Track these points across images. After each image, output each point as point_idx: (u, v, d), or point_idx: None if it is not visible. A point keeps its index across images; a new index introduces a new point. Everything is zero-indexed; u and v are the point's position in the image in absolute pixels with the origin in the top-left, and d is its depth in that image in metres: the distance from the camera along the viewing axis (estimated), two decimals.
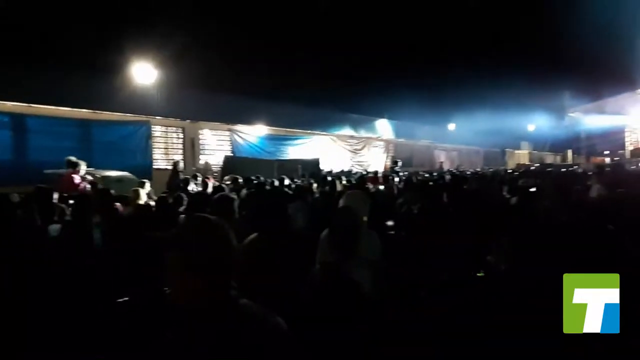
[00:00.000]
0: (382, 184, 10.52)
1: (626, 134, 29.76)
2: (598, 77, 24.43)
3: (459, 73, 22.00)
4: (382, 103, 25.04)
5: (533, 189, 6.56)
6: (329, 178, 11.61)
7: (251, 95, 18.57)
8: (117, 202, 6.32)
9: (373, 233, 3.54)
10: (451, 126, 33.19)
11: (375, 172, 15.59)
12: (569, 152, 33.46)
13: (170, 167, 13.77)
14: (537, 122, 33.98)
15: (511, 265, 2.78)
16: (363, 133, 28.48)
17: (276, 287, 2.72)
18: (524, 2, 20.78)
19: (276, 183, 9.85)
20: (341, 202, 3.86)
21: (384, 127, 29.92)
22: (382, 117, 29.23)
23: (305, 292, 2.67)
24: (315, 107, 22.84)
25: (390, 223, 4.62)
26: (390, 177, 12.38)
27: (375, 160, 28.46)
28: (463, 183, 8.71)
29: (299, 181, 11.96)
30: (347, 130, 27.15)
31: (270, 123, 21.55)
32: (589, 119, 30.08)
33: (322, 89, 20.83)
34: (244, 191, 8.44)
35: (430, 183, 9.68)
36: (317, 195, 8.23)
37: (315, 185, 9.55)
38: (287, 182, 10.34)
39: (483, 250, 3.10)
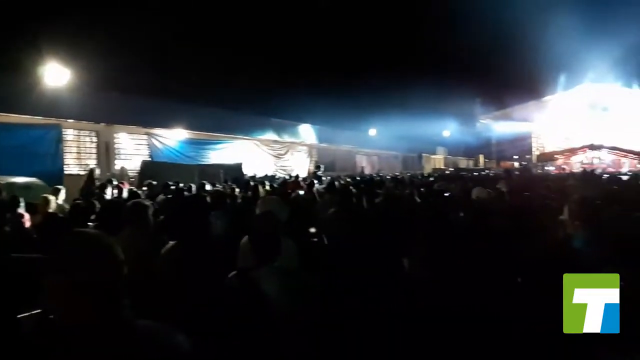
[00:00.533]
0: (303, 189, 10.57)
1: (532, 140, 31.88)
2: (506, 87, 26.19)
3: (378, 80, 22.68)
4: (305, 108, 25.19)
5: (447, 194, 6.82)
6: (252, 183, 11.52)
7: (170, 98, 18.08)
8: (26, 210, 5.95)
9: (289, 240, 3.51)
10: (372, 131, 33.95)
11: (297, 177, 15.62)
12: (481, 157, 35.26)
13: (83, 173, 13.12)
14: (451, 128, 35.58)
15: (427, 269, 2.88)
16: (286, 138, 28.51)
17: (193, 297, 2.68)
18: (438, 16, 21.79)
19: (196, 189, 9.65)
20: (257, 209, 3.85)
21: (307, 132, 30.12)
22: (305, 122, 29.43)
23: (219, 301, 2.64)
24: (238, 111, 22.59)
25: (312, 230, 4.63)
26: (312, 182, 12.46)
27: (299, 165, 28.59)
28: (379, 187, 8.93)
29: (221, 187, 11.77)
30: (270, 135, 27.05)
31: (190, 127, 21.03)
32: (499, 126, 31.99)
33: (245, 92, 20.68)
34: (160, 197, 8.20)
35: (352, 187, 9.85)
36: (239, 200, 8.15)
37: (237, 190, 9.45)
38: (208, 187, 10.15)
39: (399, 255, 3.19)
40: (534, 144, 31.87)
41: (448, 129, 35.91)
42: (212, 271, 3.00)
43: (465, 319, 2.37)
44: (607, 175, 14.65)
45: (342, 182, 13.19)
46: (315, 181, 13.25)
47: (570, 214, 4.11)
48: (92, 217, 6.02)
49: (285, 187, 10.64)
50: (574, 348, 2.25)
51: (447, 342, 2.36)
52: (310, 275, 3.06)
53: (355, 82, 23.27)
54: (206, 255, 3.24)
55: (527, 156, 31.08)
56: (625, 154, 27.46)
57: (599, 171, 19.88)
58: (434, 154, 40.09)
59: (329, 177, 16.98)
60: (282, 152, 28.27)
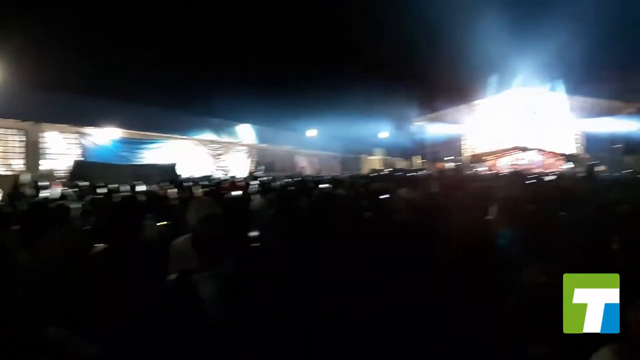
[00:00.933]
0: (241, 190, 10.47)
1: (464, 142, 33.06)
2: (439, 90, 27.16)
3: (318, 81, 22.84)
4: (244, 108, 24.92)
5: (385, 195, 6.92)
6: (188, 184, 11.31)
7: (103, 95, 17.42)
8: None
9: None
10: (312, 132, 34.10)
11: (233, 178, 15.46)
12: (417, 158, 36.19)
13: (9, 173, 12.45)
14: (388, 130, 36.32)
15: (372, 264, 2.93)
16: (225, 138, 28.13)
17: (126, 300, 2.61)
18: (374, 19, 22.30)
19: (129, 189, 9.37)
20: (187, 211, 3.78)
21: (246, 132, 29.86)
22: (245, 122, 29.16)
23: (156, 304, 2.58)
24: (175, 110, 22.08)
25: (254, 233, 4.56)
26: (248, 183, 12.36)
27: (238, 166, 28.30)
28: (314, 188, 8.98)
29: (155, 187, 11.47)
30: (208, 135, 26.59)
31: (125, 126, 20.36)
32: (433, 128, 32.99)
33: (182, 91, 20.26)
34: (88, 198, 7.90)
35: (290, 188, 9.86)
36: (173, 202, 7.97)
37: (173, 191, 9.25)
38: (141, 188, 9.89)
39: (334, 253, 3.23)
40: (466, 146, 33.04)
41: (385, 131, 36.63)
42: (145, 274, 2.93)
43: (390, 318, 2.43)
44: (534, 176, 15.39)
45: (280, 182, 13.18)
46: (254, 182, 13.15)
47: (496, 213, 4.31)
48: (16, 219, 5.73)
49: (220, 187, 10.50)
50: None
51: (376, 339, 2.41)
52: (250, 278, 3.04)
53: (295, 83, 23.35)
54: (138, 258, 3.16)
55: (460, 157, 32.15)
56: (550, 155, 28.97)
57: (526, 172, 20.90)
58: (372, 155, 40.74)
59: (268, 178, 16.92)
60: (221, 152, 27.88)
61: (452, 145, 33.06)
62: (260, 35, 21.17)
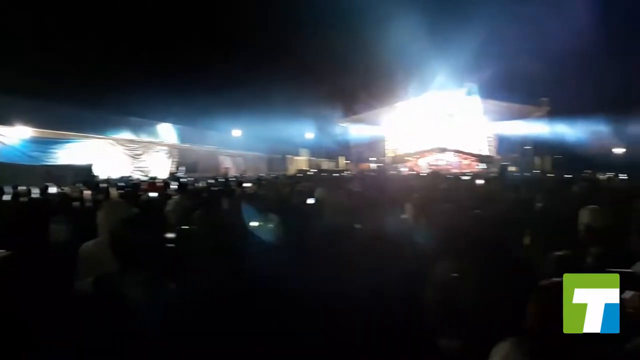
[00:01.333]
0: (160, 191, 10.15)
1: (387, 143, 33.95)
2: (362, 92, 27.81)
3: (242, 81, 22.67)
4: (165, 107, 24.20)
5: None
6: (103, 185, 10.83)
7: (11, 92, 16.30)
8: None
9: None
10: (236, 132, 33.73)
11: (154, 179, 15.01)
12: (342, 159, 36.74)
13: None
14: (313, 131, 36.62)
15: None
16: (144, 137, 27.14)
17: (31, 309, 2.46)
18: (298, 22, 22.49)
19: (39, 192, 8.83)
20: (99, 214, 3.62)
21: (167, 131, 29.01)
22: (166, 121, 28.31)
23: (69, 311, 2.45)
24: (91, 108, 21.03)
25: (170, 235, 4.40)
26: (168, 184, 12.04)
27: (158, 166, 27.41)
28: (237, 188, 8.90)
29: (68, 189, 10.89)
30: (126, 134, 25.51)
31: (35, 124, 19.11)
32: (356, 129, 33.65)
33: (98, 88, 19.35)
34: None
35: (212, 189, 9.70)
36: (88, 203, 7.60)
37: (88, 192, 8.83)
38: (53, 190, 9.34)
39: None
40: (388, 147, 33.92)
41: (311, 132, 36.90)
42: (52, 281, 2.78)
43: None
44: (451, 176, 16.08)
45: (202, 184, 12.96)
46: (174, 183, 12.83)
47: (411, 211, 4.45)
48: None
49: (137, 189, 10.14)
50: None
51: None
52: (171, 281, 2.96)
53: (219, 82, 22.98)
54: (45, 264, 2.99)
55: (383, 158, 32.97)
56: (467, 156, 30.40)
57: (444, 172, 21.82)
58: (298, 155, 40.88)
59: (189, 179, 16.56)
60: (140, 152, 26.84)
61: (375, 146, 33.87)
62: (182, 30, 20.67)
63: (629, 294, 2.18)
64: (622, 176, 14.16)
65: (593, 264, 2.62)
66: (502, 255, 2.69)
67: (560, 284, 1.76)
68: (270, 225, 4.39)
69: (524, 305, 1.82)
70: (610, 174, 16.20)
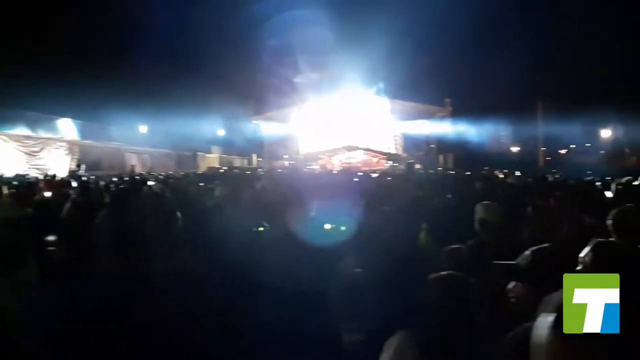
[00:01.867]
0: (60, 190, 9.54)
1: (299, 140, 34.21)
2: (273, 90, 27.90)
3: (148, 75, 21.92)
4: (65, 101, 22.77)
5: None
6: None
7: None
8: None
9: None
10: (143, 128, 32.49)
11: (53, 177, 14.09)
12: (254, 156, 36.53)
13: None
14: (225, 128, 36.11)
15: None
16: (42, 133, 25.33)
17: None
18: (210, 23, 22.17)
19: None
20: None
21: (67, 127, 27.27)
22: (66, 116, 26.63)
23: None
24: None
25: (51, 237, 4.05)
26: (69, 182, 11.36)
27: (57, 164, 25.73)
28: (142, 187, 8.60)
29: None
30: (21, 130, 23.68)
31: None
32: (269, 127, 33.64)
33: None
34: None
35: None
36: None
37: None
38: None
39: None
40: (300, 144, 34.16)
41: (222, 129, 36.35)
42: None
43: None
44: (361, 173, 16.52)
45: (106, 181, 12.38)
46: (75, 181, 12.13)
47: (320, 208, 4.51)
48: None
49: (32, 188, 9.44)
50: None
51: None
52: (55, 287, 2.79)
53: (124, 75, 22.03)
54: None
55: (296, 156, 33.17)
56: (375, 154, 31.34)
57: (354, 170, 22.36)
58: (209, 152, 40.11)
59: (91, 177, 15.74)
60: (37, 149, 25.05)
61: (288, 143, 33.99)
62: (84, 19, 19.59)
63: (512, 284, 2.35)
64: (517, 173, 15.18)
65: (483, 256, 2.78)
66: (399, 250, 2.79)
67: (449, 276, 1.86)
68: (174, 226, 4.26)
69: (415, 299, 1.89)
70: (506, 171, 17.39)
